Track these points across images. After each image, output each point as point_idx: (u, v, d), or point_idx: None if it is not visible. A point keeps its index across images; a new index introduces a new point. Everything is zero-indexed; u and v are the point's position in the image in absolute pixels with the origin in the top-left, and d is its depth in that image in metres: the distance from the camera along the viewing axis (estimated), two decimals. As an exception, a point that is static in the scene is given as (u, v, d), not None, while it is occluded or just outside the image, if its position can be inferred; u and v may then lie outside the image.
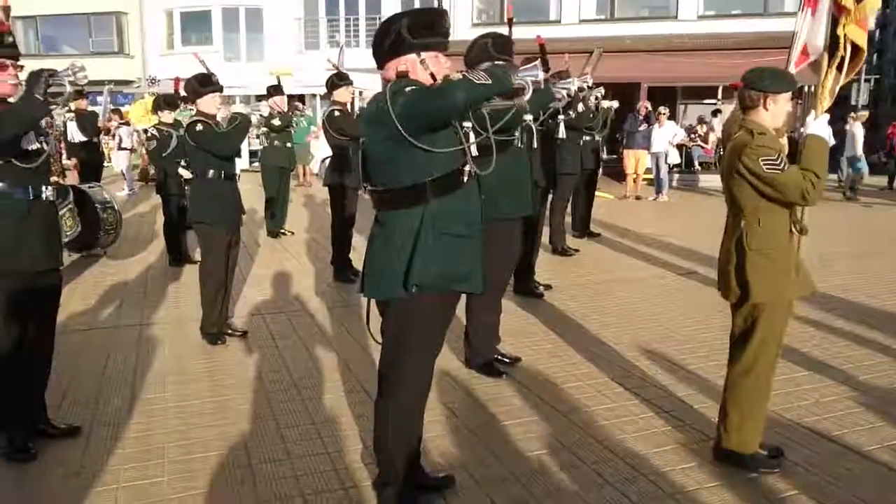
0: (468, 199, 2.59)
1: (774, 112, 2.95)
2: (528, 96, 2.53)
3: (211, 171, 4.70)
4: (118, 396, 3.99)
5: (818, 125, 2.99)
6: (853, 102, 20.83)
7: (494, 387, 4.09)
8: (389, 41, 2.59)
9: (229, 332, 5.00)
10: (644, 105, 13.21)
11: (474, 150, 2.57)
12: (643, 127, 12.83)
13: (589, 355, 4.62)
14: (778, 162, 2.83)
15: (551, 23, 18.98)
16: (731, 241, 3.03)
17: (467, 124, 2.57)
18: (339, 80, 6.76)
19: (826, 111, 3.36)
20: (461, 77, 2.40)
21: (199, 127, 4.58)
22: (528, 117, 3.55)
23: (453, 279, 2.57)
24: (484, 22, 19.52)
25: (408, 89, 2.42)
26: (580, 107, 6.73)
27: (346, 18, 21.59)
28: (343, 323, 5.33)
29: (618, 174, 14.69)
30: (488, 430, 3.55)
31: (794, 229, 2.94)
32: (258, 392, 4.05)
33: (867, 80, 23.59)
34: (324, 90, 7.17)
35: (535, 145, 3.97)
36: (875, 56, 55.56)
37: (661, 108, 13.19)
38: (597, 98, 7.88)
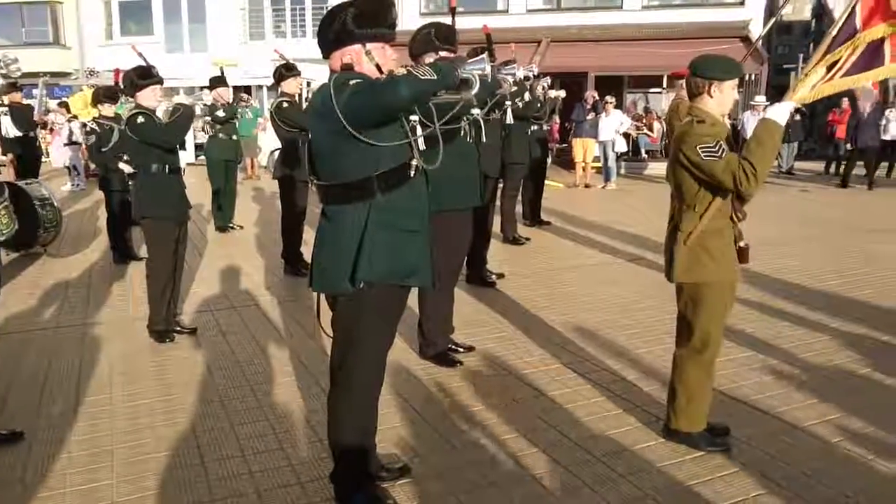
0: (415, 193, 2.58)
1: (720, 99, 3.01)
2: (475, 90, 2.53)
3: (154, 165, 4.58)
4: (62, 399, 3.87)
5: (778, 108, 2.94)
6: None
7: (449, 376, 4.11)
8: (334, 31, 2.55)
9: (178, 329, 4.90)
10: (591, 94, 13.38)
11: (421, 144, 2.56)
12: (590, 116, 13.01)
13: (541, 342, 4.68)
14: (715, 149, 2.87)
15: (499, 12, 19.06)
16: (673, 225, 3.10)
17: (414, 118, 2.56)
18: (286, 70, 6.65)
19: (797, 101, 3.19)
20: (406, 72, 2.39)
21: (140, 119, 4.45)
22: (476, 111, 3.56)
23: (401, 274, 2.57)
24: (432, 11, 19.46)
25: (352, 82, 2.39)
26: (526, 96, 6.77)
27: (293, 8, 21.23)
28: (295, 317, 5.28)
29: (567, 163, 14.87)
30: (443, 420, 3.57)
31: (733, 217, 3.02)
32: (209, 389, 3.98)
33: (803, 68, 24.24)
34: (270, 81, 7.05)
35: (484, 139, 3.97)
36: (811, 45, 57.36)
37: (608, 97, 13.38)
38: (544, 88, 7.95)
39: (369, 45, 2.54)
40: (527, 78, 5.86)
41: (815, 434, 3.36)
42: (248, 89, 18.26)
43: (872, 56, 3.07)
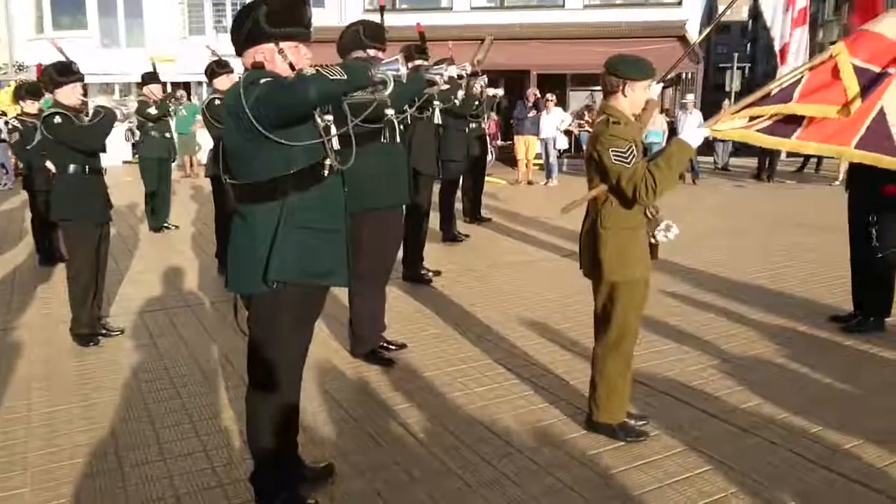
0: (330, 193, 2.57)
1: (633, 98, 3.09)
2: (389, 91, 2.54)
3: (72, 166, 4.44)
4: (-24, 406, 3.74)
5: (694, 132, 3.02)
6: (727, 89, 22.09)
7: (379, 374, 4.11)
8: (247, 29, 2.52)
9: (103, 332, 4.78)
10: (533, 92, 13.53)
11: (336, 144, 2.55)
12: (532, 113, 13.15)
13: (474, 339, 4.72)
14: (626, 154, 2.94)
15: (443, 10, 19.08)
16: (589, 222, 3.17)
17: (328, 118, 2.55)
18: (218, 67, 6.52)
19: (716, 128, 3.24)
20: (314, 72, 2.37)
21: (58, 119, 4.31)
22: (390, 112, 3.57)
23: (315, 274, 2.56)
24: (376, 8, 19.36)
25: (262, 81, 2.37)
26: (460, 94, 6.80)
27: (233, 3, 20.82)
28: (226, 317, 5.20)
29: (510, 160, 15.00)
30: (371, 418, 3.57)
31: (647, 213, 3.10)
32: (133, 393, 3.89)
33: (740, 68, 25.01)
34: (208, 78, 6.90)
35: (399, 139, 3.98)
36: (749, 45, 59.19)
37: (549, 95, 13.55)
38: (481, 86, 8.00)
39: (283, 44, 2.52)
40: (460, 76, 5.88)
41: (732, 422, 3.48)
42: (187, 86, 17.89)
43: (785, 126, 3.13)
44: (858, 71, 3.02)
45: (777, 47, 5.15)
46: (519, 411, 3.62)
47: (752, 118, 3.15)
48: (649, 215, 3.09)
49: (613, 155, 2.94)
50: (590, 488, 2.91)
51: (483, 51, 7.50)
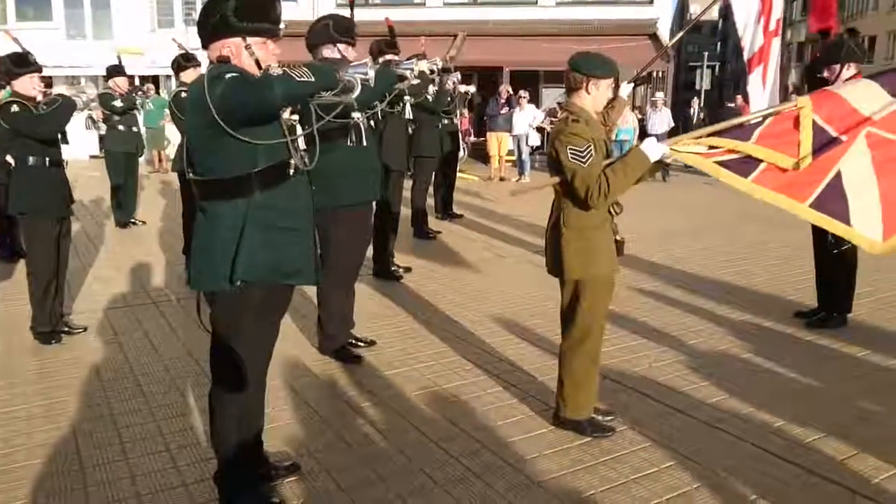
0: (296, 191, 2.54)
1: (595, 96, 3.10)
2: (356, 94, 2.51)
3: (31, 158, 4.33)
4: (-69, 406, 3.64)
5: (654, 146, 3.02)
6: (697, 87, 22.38)
7: (348, 372, 4.08)
8: (213, 22, 2.47)
9: (66, 329, 4.68)
10: (505, 89, 13.55)
11: (301, 144, 2.52)
12: (505, 110, 13.18)
13: (444, 335, 4.71)
14: (583, 153, 2.95)
15: (416, 5, 19.02)
16: (553, 220, 3.18)
17: (294, 117, 2.52)
18: (185, 61, 6.43)
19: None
20: (281, 72, 2.34)
21: (14, 108, 4.20)
22: (357, 115, 3.54)
23: (282, 273, 2.53)
24: (347, 3, 19.23)
25: (227, 76, 2.32)
26: (432, 89, 6.78)
27: (204, -5, 20.52)
28: (192, 315, 5.10)
29: (483, 156, 15.02)
30: (339, 416, 3.54)
31: (611, 210, 3.12)
32: (95, 392, 3.82)
33: (710, 67, 25.40)
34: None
35: (366, 139, 3.96)
36: (719, 44, 60.00)
37: (522, 92, 13.59)
38: (454, 82, 7.99)
39: (250, 40, 2.47)
40: (431, 71, 5.86)
41: (697, 417, 3.52)
42: (155, 79, 17.61)
43: (742, 165, 3.10)
44: (817, 129, 3.00)
45: (745, 55, 5.15)
46: (487, 408, 3.62)
47: (711, 147, 3.12)
48: (613, 213, 3.11)
49: (570, 153, 2.95)
50: (556, 484, 2.92)
51: (456, 47, 7.46)
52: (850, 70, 4.47)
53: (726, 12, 56.45)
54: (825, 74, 4.60)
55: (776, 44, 5.25)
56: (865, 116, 2.97)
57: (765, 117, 3.14)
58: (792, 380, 3.99)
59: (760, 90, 5.23)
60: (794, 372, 4.08)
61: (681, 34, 6.55)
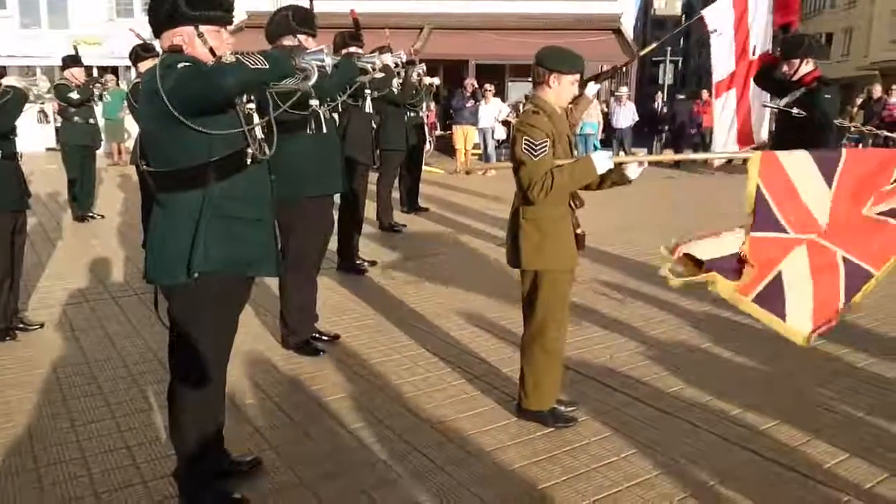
0: (255, 181, 2.51)
1: (558, 91, 3.12)
2: (313, 81, 2.49)
3: (-17, 151, 4.22)
4: None
5: (604, 160, 3.03)
6: (660, 82, 22.67)
7: (311, 365, 4.06)
8: (166, 9, 2.43)
9: (21, 326, 4.57)
10: (470, 82, 13.57)
11: (259, 133, 2.49)
12: (470, 103, 13.19)
13: (408, 328, 4.71)
14: (537, 147, 2.97)
15: (381, -3, 18.90)
16: (514, 212, 3.20)
17: (250, 106, 2.49)
18: (143, 51, 6.30)
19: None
20: (234, 60, 2.30)
21: (-36, 101, 4.08)
22: (314, 102, 3.51)
23: (241, 264, 2.50)
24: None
25: (180, 66, 2.28)
26: (396, 82, 6.76)
27: (164, -16, 20.08)
28: (152, 309, 5.03)
29: (449, 149, 15.02)
30: (302, 410, 3.52)
31: (572, 203, 3.15)
32: (51, 389, 3.73)
33: (673, 62, 25.75)
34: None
35: (326, 129, 3.92)
36: (682, 40, 60.79)
37: (487, 86, 13.62)
38: (419, 74, 7.96)
39: (203, 28, 2.44)
40: (396, 64, 5.85)
41: (657, 406, 3.58)
42: (115, 70, 17.23)
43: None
44: (760, 198, 2.93)
45: (715, 78, 5.12)
46: (451, 400, 3.63)
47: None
48: (574, 206, 3.14)
49: (524, 144, 2.98)
50: (519, 473, 2.95)
51: (422, 40, 7.45)
52: (808, 65, 4.56)
53: (689, 9, 57.30)
54: (784, 69, 4.69)
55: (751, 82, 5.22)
56: (808, 212, 2.96)
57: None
58: (749, 369, 4.08)
59: (729, 118, 5.21)
60: (751, 361, 4.17)
61: (654, 46, 6.54)
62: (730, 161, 15.82)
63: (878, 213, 2.90)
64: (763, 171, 2.97)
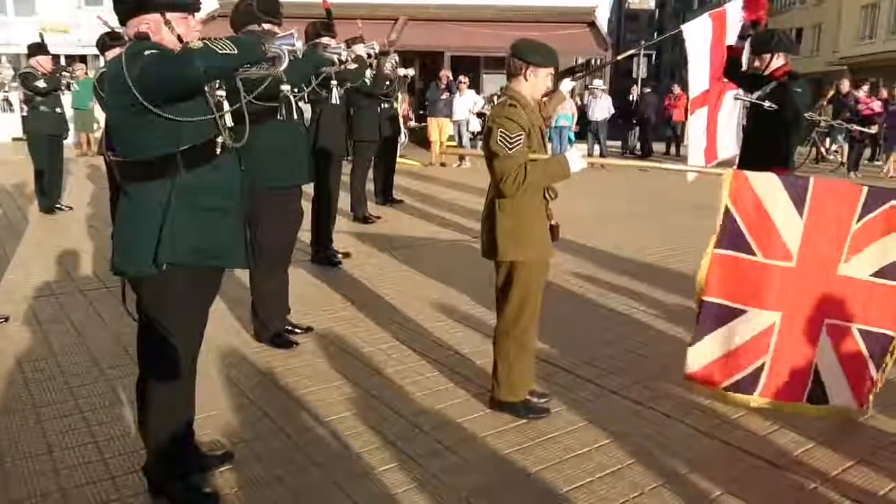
0: (224, 170, 2.47)
1: (534, 83, 3.12)
2: (283, 66, 2.45)
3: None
4: None
5: (577, 160, 3.07)
6: (634, 76, 22.79)
7: (284, 359, 4.03)
8: None
9: (-15, 319, 4.47)
10: (445, 74, 13.53)
11: (229, 121, 2.46)
12: (445, 95, 13.15)
13: (382, 320, 4.69)
14: (511, 141, 2.97)
15: (356, -12, 18.74)
16: (488, 203, 3.20)
17: (220, 93, 2.45)
18: (111, 39, 6.15)
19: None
20: (202, 45, 2.26)
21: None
22: (286, 87, 3.47)
23: (209, 255, 2.46)
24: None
25: (146, 53, 2.24)
26: (369, 73, 6.70)
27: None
28: (120, 302, 4.95)
29: (424, 141, 14.97)
30: (275, 403, 3.49)
31: (546, 195, 3.16)
32: (16, 384, 3.66)
33: (647, 55, 25.86)
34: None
35: (296, 116, 3.87)
36: (656, 33, 61.22)
37: (462, 78, 13.59)
38: (393, 65, 7.92)
39: (170, 15, 2.39)
40: (368, 55, 5.80)
41: (629, 397, 3.61)
42: (84, 59, 16.88)
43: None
44: (731, 219, 3.02)
45: (691, 94, 5.14)
46: (425, 392, 3.63)
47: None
48: (548, 198, 3.14)
49: (499, 136, 2.98)
50: (492, 465, 2.96)
51: (396, 31, 7.41)
52: (779, 59, 4.61)
53: (663, 1, 57.67)
54: (756, 64, 4.73)
55: (729, 97, 5.27)
56: (779, 235, 2.98)
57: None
58: (719, 359, 4.12)
59: (700, 134, 5.25)
60: (721, 351, 4.21)
61: (628, 54, 6.55)
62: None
63: (874, 276, 2.96)
64: (733, 190, 3.02)
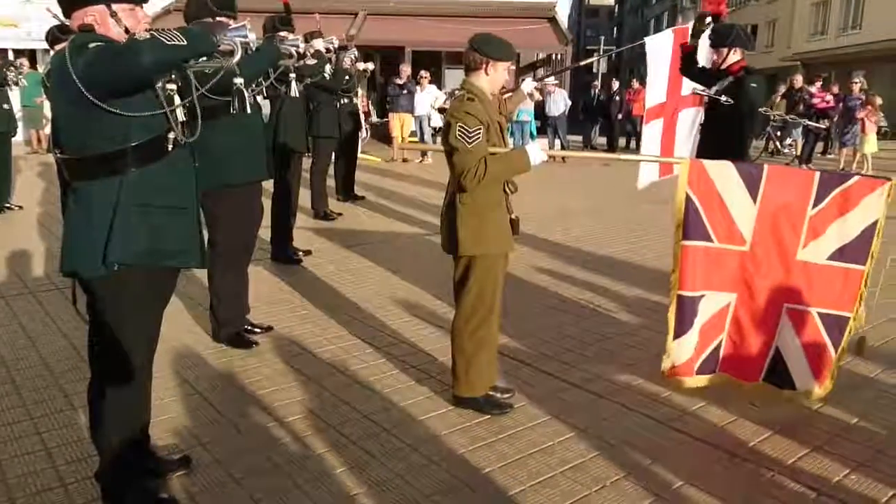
0: (176, 168, 2.40)
1: (493, 77, 3.12)
2: (237, 58, 2.39)
3: None
4: None
5: (537, 153, 3.08)
6: (594, 71, 23.06)
7: (243, 358, 3.95)
8: None
9: (-72, 324, 4.29)
10: (405, 69, 13.46)
11: (181, 116, 2.38)
12: (404, 92, 13.09)
13: (343, 319, 4.64)
14: (471, 135, 2.96)
15: (315, -19, 18.52)
16: (448, 198, 3.18)
17: (171, 86, 2.38)
18: (61, 33, 5.96)
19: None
20: (149, 36, 2.19)
21: None
22: (239, 80, 3.39)
23: (162, 255, 2.39)
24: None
25: (91, 45, 2.16)
26: (328, 68, 6.62)
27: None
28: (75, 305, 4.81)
29: (385, 137, 14.89)
30: (233, 404, 3.42)
31: (506, 189, 3.15)
32: (-38, 390, 3.53)
33: (607, 51, 26.17)
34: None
35: (249, 110, 3.80)
36: (615, 29, 61.96)
37: (423, 73, 13.54)
38: (352, 60, 7.84)
39: (116, 7, 2.31)
40: (328, 50, 5.73)
41: (591, 390, 3.63)
42: (31, 53, 16.36)
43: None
44: (692, 209, 3.08)
45: (647, 104, 5.21)
46: (387, 390, 3.59)
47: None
48: (508, 191, 3.14)
49: (458, 131, 2.96)
50: (455, 462, 2.94)
51: (356, 26, 7.32)
52: (735, 55, 4.67)
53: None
54: (714, 58, 4.79)
55: (685, 115, 5.36)
56: (732, 221, 3.07)
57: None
58: (679, 351, 4.17)
59: (654, 145, 5.33)
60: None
61: (591, 59, 6.61)
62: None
63: (830, 259, 3.04)
64: (692, 179, 3.08)
